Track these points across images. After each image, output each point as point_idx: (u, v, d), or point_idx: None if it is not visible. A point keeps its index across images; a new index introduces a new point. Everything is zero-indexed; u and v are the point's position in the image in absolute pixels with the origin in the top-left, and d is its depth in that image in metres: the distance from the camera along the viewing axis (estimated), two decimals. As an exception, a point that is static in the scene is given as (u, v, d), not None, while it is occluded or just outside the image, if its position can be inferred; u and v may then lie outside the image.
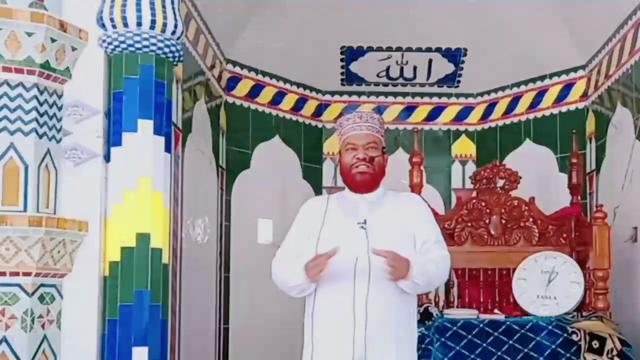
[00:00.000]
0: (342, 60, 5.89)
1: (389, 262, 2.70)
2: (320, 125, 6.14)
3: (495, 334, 3.85)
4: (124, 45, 3.28)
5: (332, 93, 6.17)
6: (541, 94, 5.70)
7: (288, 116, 5.92)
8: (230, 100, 5.48)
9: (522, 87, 5.83)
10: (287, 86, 5.89)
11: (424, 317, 3.98)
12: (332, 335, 2.78)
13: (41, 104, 3.19)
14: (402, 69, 5.97)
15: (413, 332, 2.93)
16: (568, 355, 3.78)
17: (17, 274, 3.06)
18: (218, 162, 5.21)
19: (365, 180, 2.88)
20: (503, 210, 4.48)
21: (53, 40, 3.19)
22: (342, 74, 6.01)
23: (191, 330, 4.43)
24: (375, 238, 2.80)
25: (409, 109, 6.19)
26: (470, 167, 5.94)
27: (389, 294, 2.80)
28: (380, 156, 2.90)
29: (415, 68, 5.96)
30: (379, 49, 5.81)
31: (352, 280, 2.78)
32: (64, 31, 3.23)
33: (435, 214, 4.56)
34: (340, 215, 2.87)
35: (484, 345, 3.83)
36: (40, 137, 3.18)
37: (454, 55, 5.84)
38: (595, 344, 3.78)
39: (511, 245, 4.45)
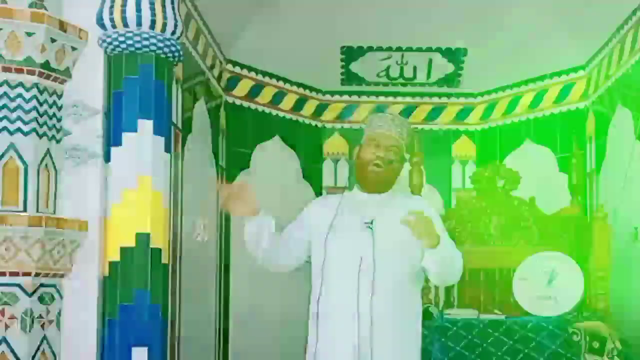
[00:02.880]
0: (342, 60, 5.89)
1: (416, 217, 2.64)
2: (320, 125, 6.14)
3: (496, 334, 3.85)
4: (123, 45, 3.27)
5: (332, 93, 6.16)
6: (541, 94, 5.70)
7: (288, 116, 5.91)
8: (230, 100, 5.48)
9: (523, 87, 5.83)
10: (287, 86, 5.89)
11: (424, 317, 3.96)
12: (336, 335, 2.79)
13: (41, 104, 3.19)
14: (402, 69, 5.97)
15: (418, 333, 2.92)
16: (568, 355, 3.77)
17: (16, 274, 3.06)
18: (218, 162, 5.21)
19: (379, 181, 2.88)
20: (503, 210, 4.48)
21: (53, 40, 3.19)
22: (342, 74, 6.01)
23: (191, 330, 4.42)
24: (381, 238, 2.80)
25: (409, 109, 6.18)
26: (470, 167, 5.93)
27: (393, 294, 2.80)
28: (397, 162, 2.90)
29: (415, 68, 5.96)
30: (379, 49, 5.81)
31: (356, 280, 2.78)
32: (64, 31, 3.23)
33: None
34: (348, 214, 2.87)
35: (484, 345, 3.83)
36: (40, 137, 3.18)
37: (454, 55, 5.83)
38: (596, 344, 3.78)
39: (511, 246, 4.44)
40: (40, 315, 3.13)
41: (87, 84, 3.33)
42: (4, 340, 3.04)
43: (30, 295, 3.08)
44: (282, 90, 5.85)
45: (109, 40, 3.29)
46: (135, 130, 3.27)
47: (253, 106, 5.65)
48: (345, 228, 2.84)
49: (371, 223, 2.82)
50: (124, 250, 3.24)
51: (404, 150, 2.93)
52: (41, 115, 3.19)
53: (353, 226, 2.84)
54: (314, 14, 5.34)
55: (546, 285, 4.04)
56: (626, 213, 4.52)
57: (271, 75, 5.75)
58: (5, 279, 3.05)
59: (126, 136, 3.28)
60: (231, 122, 5.46)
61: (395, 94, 6.17)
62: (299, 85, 5.98)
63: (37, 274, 3.09)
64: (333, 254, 2.82)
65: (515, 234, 4.46)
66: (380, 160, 2.85)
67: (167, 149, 3.38)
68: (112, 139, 3.31)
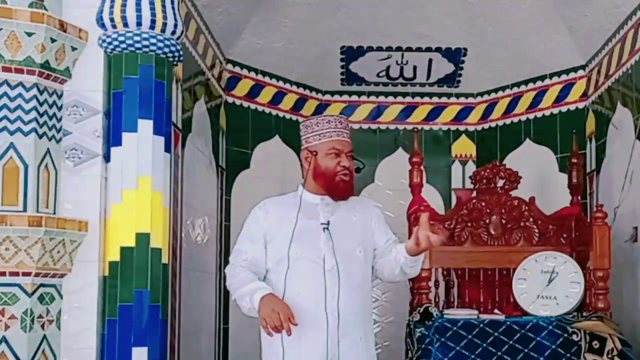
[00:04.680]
0: (342, 60, 5.89)
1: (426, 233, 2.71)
2: (320, 125, 6.13)
3: (496, 334, 3.85)
4: (123, 45, 3.27)
5: (332, 93, 6.17)
6: (541, 94, 5.70)
7: (288, 116, 5.91)
8: (230, 100, 5.48)
9: (522, 87, 5.83)
10: (287, 86, 5.89)
11: (424, 317, 3.98)
12: (305, 336, 2.78)
13: (41, 104, 3.19)
14: (402, 69, 5.97)
15: (373, 332, 3.02)
16: (568, 355, 3.77)
17: (16, 274, 3.06)
18: (218, 162, 5.21)
19: (346, 190, 2.91)
20: (503, 210, 4.47)
21: (53, 40, 3.19)
22: (342, 74, 6.01)
23: (191, 330, 4.43)
24: (338, 239, 2.86)
25: (409, 109, 6.19)
26: (470, 167, 5.93)
27: (356, 293, 2.87)
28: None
29: (415, 68, 5.96)
30: (379, 49, 5.81)
31: (322, 281, 2.81)
32: (64, 31, 3.23)
33: (435, 214, 4.60)
34: (303, 218, 2.89)
35: (484, 345, 3.83)
36: (40, 137, 3.18)
37: (454, 55, 5.84)
38: (596, 344, 3.78)
39: (511, 245, 4.44)
40: (40, 315, 3.13)
41: (87, 84, 3.33)
42: (4, 340, 3.03)
43: (30, 295, 3.08)
44: (282, 90, 5.85)
45: (109, 40, 3.29)
46: (135, 130, 3.27)
47: (253, 106, 5.66)
48: (305, 234, 2.86)
49: (327, 224, 2.87)
50: (124, 250, 3.24)
51: None
52: (41, 115, 3.19)
53: (311, 230, 2.87)
54: (313, 13, 5.34)
55: (546, 285, 4.04)
56: (626, 213, 4.52)
57: (271, 75, 5.76)
58: (5, 279, 3.05)
59: (126, 136, 3.28)
60: (231, 122, 5.46)
61: (395, 94, 6.18)
62: (299, 85, 5.98)
63: (37, 274, 3.09)
64: (297, 260, 2.84)
65: (515, 234, 4.46)
66: (347, 171, 2.88)
67: (167, 149, 3.38)
68: (112, 139, 3.31)
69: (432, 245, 2.72)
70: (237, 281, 2.89)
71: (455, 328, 3.86)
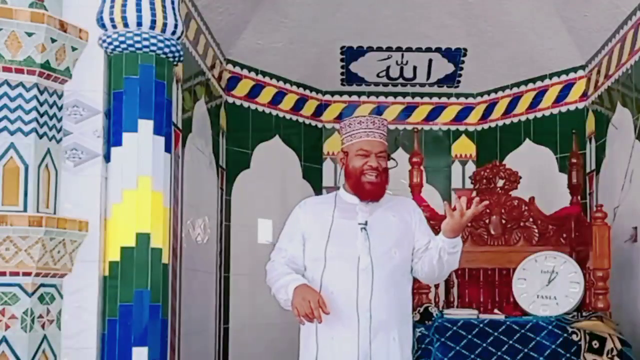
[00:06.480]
0: (342, 60, 5.89)
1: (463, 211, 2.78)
2: (320, 125, 6.14)
3: (495, 334, 3.85)
4: (124, 45, 3.28)
5: (332, 93, 6.17)
6: (541, 94, 5.70)
7: (288, 116, 5.92)
8: (230, 100, 5.48)
9: (522, 87, 5.83)
10: (287, 86, 5.89)
11: (424, 317, 3.98)
12: (337, 335, 2.80)
13: (41, 104, 3.19)
14: (402, 69, 5.97)
15: (411, 333, 2.98)
16: (568, 355, 3.78)
17: (17, 274, 3.06)
18: (218, 162, 5.21)
19: (374, 190, 2.91)
20: (503, 210, 4.48)
21: (53, 40, 3.19)
22: (342, 74, 6.02)
23: (191, 330, 4.43)
24: (375, 239, 2.85)
25: (409, 109, 6.19)
26: (470, 167, 5.94)
27: (390, 294, 2.86)
28: (387, 166, 2.93)
29: (415, 68, 5.96)
30: (379, 49, 5.81)
31: (355, 280, 2.81)
32: (64, 31, 3.23)
33: (435, 214, 4.60)
34: (341, 218, 2.90)
35: (484, 345, 3.83)
36: (41, 137, 3.18)
37: (454, 55, 5.84)
38: (595, 344, 3.78)
39: (511, 245, 4.45)
40: (40, 315, 3.13)
41: (87, 84, 3.33)
42: (5, 340, 3.04)
43: (30, 295, 3.08)
44: (282, 90, 5.85)
45: (109, 40, 3.29)
46: (135, 130, 3.28)
47: (253, 106, 5.66)
48: (342, 234, 2.87)
49: (365, 224, 2.86)
50: (124, 250, 3.24)
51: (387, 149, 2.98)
52: (41, 115, 3.19)
53: (348, 229, 2.88)
54: (313, 14, 5.34)
55: (546, 285, 4.05)
56: (626, 213, 4.52)
57: (271, 75, 5.76)
58: (6, 279, 3.05)
59: (126, 136, 3.28)
60: (231, 122, 5.46)
61: (395, 94, 6.18)
62: (299, 85, 5.98)
63: (37, 274, 3.09)
64: (333, 260, 2.85)
65: (515, 234, 4.46)
66: (375, 171, 2.88)
67: (167, 149, 3.38)
68: (112, 139, 3.31)
69: (466, 216, 2.81)
70: (275, 276, 2.92)
71: (455, 328, 3.86)
